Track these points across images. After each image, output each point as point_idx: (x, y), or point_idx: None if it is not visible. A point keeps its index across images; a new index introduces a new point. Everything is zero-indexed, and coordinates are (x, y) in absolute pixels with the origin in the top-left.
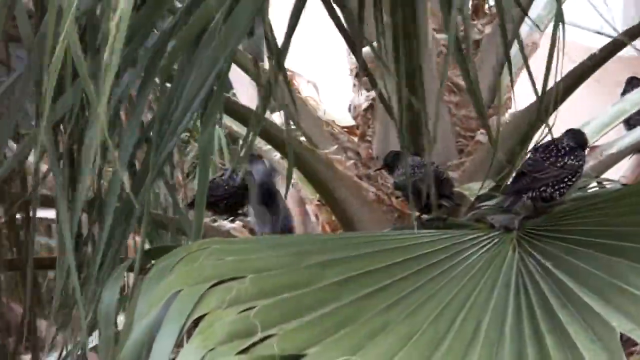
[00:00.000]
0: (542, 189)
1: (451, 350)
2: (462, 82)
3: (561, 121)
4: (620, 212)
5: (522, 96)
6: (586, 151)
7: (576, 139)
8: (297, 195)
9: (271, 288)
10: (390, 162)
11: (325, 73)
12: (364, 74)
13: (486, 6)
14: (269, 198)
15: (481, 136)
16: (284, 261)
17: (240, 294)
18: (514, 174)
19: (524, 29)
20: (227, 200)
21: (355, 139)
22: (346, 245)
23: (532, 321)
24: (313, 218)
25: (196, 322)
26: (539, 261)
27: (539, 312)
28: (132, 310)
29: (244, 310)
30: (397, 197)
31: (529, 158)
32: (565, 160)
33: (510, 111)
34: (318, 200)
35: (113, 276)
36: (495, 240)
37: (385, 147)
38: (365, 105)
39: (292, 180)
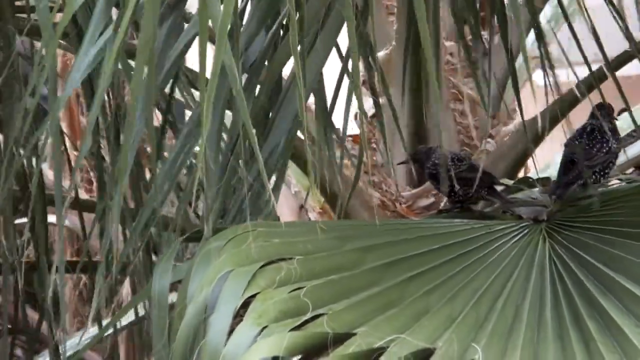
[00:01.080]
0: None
1: (495, 331)
2: (468, 91)
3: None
4: None
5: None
6: None
7: (609, 116)
8: (296, 204)
9: (318, 270)
10: (421, 157)
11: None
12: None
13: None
14: None
15: (488, 145)
16: (327, 244)
17: (290, 275)
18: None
19: (531, 39)
20: None
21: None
22: (385, 231)
23: (571, 307)
24: None
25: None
26: (571, 250)
27: (577, 298)
28: (184, 293)
29: (294, 290)
30: (400, 203)
31: (574, 145)
32: (610, 145)
33: (515, 122)
34: (320, 208)
35: (163, 259)
36: (526, 231)
37: (390, 154)
38: (371, 112)
39: (295, 189)
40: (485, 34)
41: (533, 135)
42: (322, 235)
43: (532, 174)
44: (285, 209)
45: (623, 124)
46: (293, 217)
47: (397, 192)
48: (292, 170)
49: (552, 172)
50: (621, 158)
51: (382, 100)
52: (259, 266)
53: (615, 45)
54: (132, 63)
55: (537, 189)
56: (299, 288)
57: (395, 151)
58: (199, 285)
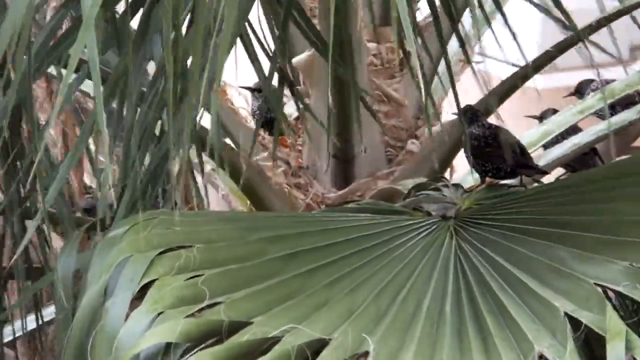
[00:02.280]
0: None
1: (393, 324)
2: (392, 92)
3: None
4: (555, 202)
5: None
6: None
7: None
8: (227, 207)
9: (219, 258)
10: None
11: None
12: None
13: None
14: None
15: (412, 145)
16: (231, 234)
17: (189, 262)
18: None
19: (455, 45)
20: None
21: (286, 149)
22: (291, 223)
23: (471, 302)
24: None
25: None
26: (476, 247)
27: (478, 294)
28: (85, 279)
29: (192, 278)
30: (327, 205)
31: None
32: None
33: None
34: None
35: (67, 246)
36: (433, 227)
37: (315, 156)
38: (295, 115)
39: (223, 192)
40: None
41: (458, 136)
42: (228, 225)
43: (458, 175)
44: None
45: (552, 126)
46: None
47: (323, 194)
48: (219, 173)
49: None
50: (549, 156)
51: (306, 101)
52: (158, 253)
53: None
54: None
55: (448, 188)
56: (198, 276)
57: (321, 153)
58: (98, 271)
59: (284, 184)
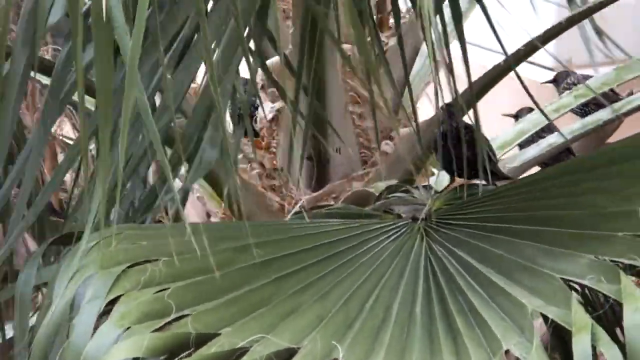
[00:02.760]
0: None
1: (363, 330)
2: (366, 93)
3: None
4: (522, 199)
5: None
6: None
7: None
8: (203, 208)
9: (185, 271)
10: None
11: None
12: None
13: (390, 20)
14: None
15: (386, 147)
16: (199, 245)
17: (155, 276)
18: None
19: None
20: None
21: (260, 151)
22: (259, 232)
23: (441, 303)
24: None
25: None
26: (447, 247)
27: (448, 294)
28: (49, 295)
29: (159, 292)
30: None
31: None
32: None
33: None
34: (223, 214)
35: (30, 260)
36: (403, 230)
37: (289, 158)
38: (269, 116)
39: (197, 194)
40: (383, 36)
41: (432, 137)
42: (195, 236)
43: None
44: (192, 213)
45: (528, 125)
46: (200, 221)
47: (297, 196)
48: None
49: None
50: (525, 156)
51: (280, 104)
52: (124, 268)
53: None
54: None
55: (419, 189)
56: (164, 289)
57: (295, 155)
58: (63, 288)
59: (259, 186)
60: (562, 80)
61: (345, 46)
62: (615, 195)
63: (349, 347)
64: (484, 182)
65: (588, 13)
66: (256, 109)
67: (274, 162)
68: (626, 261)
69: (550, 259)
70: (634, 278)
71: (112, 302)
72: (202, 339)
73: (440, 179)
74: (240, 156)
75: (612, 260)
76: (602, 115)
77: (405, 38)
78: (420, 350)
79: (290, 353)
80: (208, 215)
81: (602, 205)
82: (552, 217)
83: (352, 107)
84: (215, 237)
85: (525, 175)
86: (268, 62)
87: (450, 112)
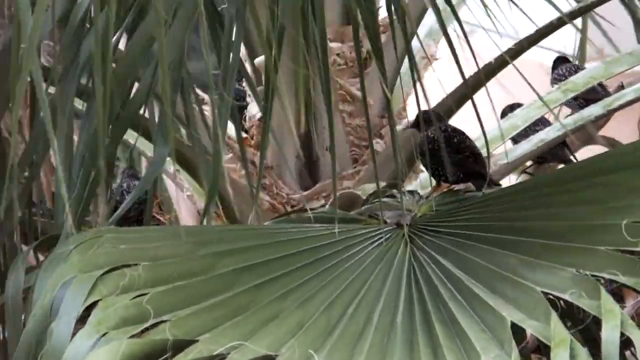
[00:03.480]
0: None
1: (343, 337)
2: (356, 92)
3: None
4: (507, 208)
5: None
6: None
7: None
8: (193, 207)
9: (165, 276)
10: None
11: None
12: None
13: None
14: None
15: (377, 145)
16: (179, 250)
17: (134, 281)
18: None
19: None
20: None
21: (250, 149)
22: (242, 236)
23: (423, 312)
24: None
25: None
26: (430, 255)
27: (430, 303)
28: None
29: (137, 297)
30: (292, 206)
31: None
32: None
33: (404, 121)
34: (215, 212)
35: (15, 264)
36: (388, 235)
37: (280, 157)
38: (259, 115)
39: (188, 193)
40: None
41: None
42: (175, 240)
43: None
44: (183, 212)
45: (517, 120)
46: (192, 219)
47: (287, 195)
48: (184, 174)
49: None
50: (515, 152)
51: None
52: (102, 272)
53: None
54: None
55: (405, 194)
56: (143, 294)
57: (285, 153)
58: (42, 292)
59: (249, 185)
60: (557, 65)
61: (334, 44)
62: (598, 207)
63: (328, 355)
64: (472, 186)
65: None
66: (243, 99)
67: (264, 160)
68: (607, 276)
69: (532, 270)
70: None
71: (92, 307)
72: (180, 345)
73: (425, 181)
74: (229, 155)
75: (593, 275)
76: (594, 110)
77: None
78: (400, 358)
79: None
80: (199, 213)
81: (586, 217)
82: (535, 228)
83: (342, 105)
84: (196, 242)
85: (513, 183)
86: (256, 60)
87: (426, 118)
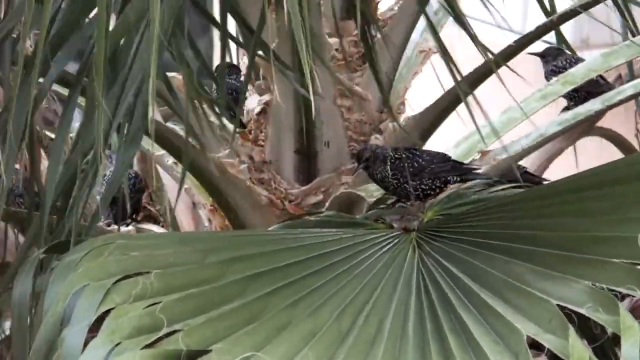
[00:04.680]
0: None
1: (355, 346)
2: (354, 86)
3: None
4: (518, 216)
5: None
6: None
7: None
8: (190, 200)
9: (177, 284)
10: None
11: None
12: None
13: (378, 12)
14: None
15: (376, 140)
16: (189, 258)
17: (146, 289)
18: None
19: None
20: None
21: (248, 144)
22: (250, 243)
23: (434, 320)
24: (206, 223)
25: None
26: (439, 261)
27: (440, 311)
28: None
29: (150, 306)
30: (290, 201)
31: None
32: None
33: (404, 115)
34: (211, 205)
35: (24, 270)
36: (396, 241)
37: (278, 151)
38: (257, 109)
39: (185, 186)
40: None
41: (422, 130)
42: (185, 247)
43: None
44: (180, 205)
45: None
46: (188, 212)
47: (286, 190)
48: (181, 167)
49: None
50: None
51: (268, 97)
52: (114, 281)
53: None
54: None
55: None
56: (156, 303)
57: (284, 148)
58: (54, 300)
59: (247, 180)
60: (550, 57)
61: (332, 39)
62: (613, 218)
63: None
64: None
65: None
66: (237, 93)
67: (262, 155)
68: (624, 290)
69: (545, 281)
70: None
71: (104, 315)
72: (193, 356)
73: None
74: (227, 150)
75: (609, 289)
76: (594, 105)
77: (394, 28)
78: None
79: None
80: (194, 204)
81: (600, 228)
82: (545, 238)
83: (340, 101)
84: (206, 249)
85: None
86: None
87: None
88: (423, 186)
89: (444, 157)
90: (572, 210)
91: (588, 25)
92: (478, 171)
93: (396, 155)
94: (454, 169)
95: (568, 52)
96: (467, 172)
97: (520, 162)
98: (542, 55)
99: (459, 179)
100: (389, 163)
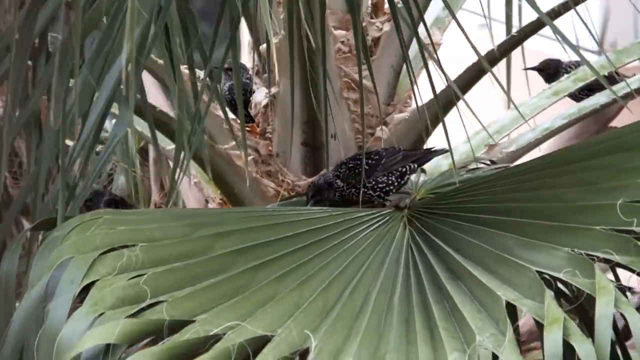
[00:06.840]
0: None
1: (339, 318)
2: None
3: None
4: (504, 190)
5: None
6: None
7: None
8: (200, 194)
9: (163, 257)
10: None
11: None
12: (264, 71)
13: (385, 5)
14: None
15: (381, 132)
16: (178, 232)
17: (131, 262)
18: None
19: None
20: None
21: (255, 137)
22: (240, 219)
23: (420, 293)
24: None
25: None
26: (428, 237)
27: (427, 284)
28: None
29: (135, 277)
30: (297, 193)
31: None
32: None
33: (410, 108)
34: (221, 199)
35: (11, 247)
36: (387, 218)
37: (285, 144)
38: (264, 102)
39: (195, 180)
40: (378, 21)
41: (430, 119)
42: (173, 222)
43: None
44: (191, 200)
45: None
46: (199, 207)
47: (293, 182)
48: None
49: None
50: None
51: (275, 90)
52: (99, 253)
53: None
54: None
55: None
56: (140, 275)
57: (291, 140)
58: (39, 273)
59: (254, 172)
60: (550, 69)
61: (339, 32)
62: (594, 188)
63: (325, 335)
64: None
65: None
66: (251, 94)
67: (269, 147)
68: (601, 255)
69: (528, 250)
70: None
71: (89, 288)
72: (177, 326)
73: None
74: (233, 143)
75: (587, 254)
76: (600, 99)
77: (400, 22)
78: (396, 338)
79: (264, 341)
80: (206, 201)
81: (582, 198)
82: (531, 209)
83: (346, 93)
84: (194, 224)
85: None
86: (262, 47)
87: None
88: (380, 184)
89: (393, 151)
90: (558, 183)
91: (614, 30)
92: (438, 150)
93: (341, 170)
94: (405, 158)
95: (564, 60)
96: (421, 156)
97: None
98: (541, 70)
99: (416, 165)
100: (340, 177)
